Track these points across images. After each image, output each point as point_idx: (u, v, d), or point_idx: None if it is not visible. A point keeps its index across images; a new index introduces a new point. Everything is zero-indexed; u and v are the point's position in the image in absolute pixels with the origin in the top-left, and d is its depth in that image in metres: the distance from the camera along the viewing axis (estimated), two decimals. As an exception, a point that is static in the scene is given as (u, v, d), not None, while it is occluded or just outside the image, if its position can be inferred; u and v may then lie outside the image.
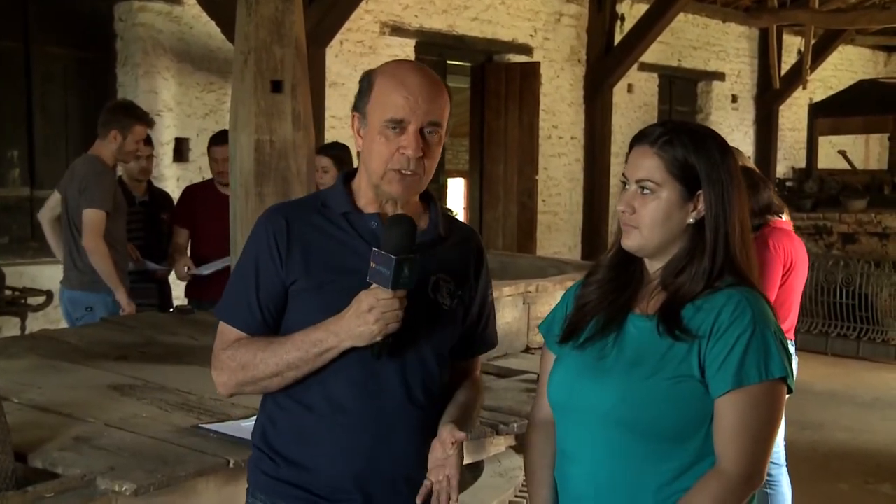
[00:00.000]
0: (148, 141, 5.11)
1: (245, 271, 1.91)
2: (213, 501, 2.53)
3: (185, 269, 5.01)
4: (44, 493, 2.31)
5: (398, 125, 1.84)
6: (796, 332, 4.16)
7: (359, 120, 1.91)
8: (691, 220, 1.81)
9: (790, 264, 3.96)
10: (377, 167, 1.87)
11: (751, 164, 4.63)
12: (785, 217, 4.15)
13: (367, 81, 1.90)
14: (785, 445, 4.20)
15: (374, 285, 1.76)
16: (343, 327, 1.79)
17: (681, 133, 1.81)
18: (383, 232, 1.81)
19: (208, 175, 6.90)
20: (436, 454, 1.83)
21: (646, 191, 1.81)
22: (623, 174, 1.87)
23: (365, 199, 1.93)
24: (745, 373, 1.71)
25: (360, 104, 1.91)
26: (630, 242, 1.84)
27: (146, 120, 4.82)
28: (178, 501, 2.47)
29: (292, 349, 1.82)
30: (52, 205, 4.82)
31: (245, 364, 1.85)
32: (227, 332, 1.92)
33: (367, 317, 1.76)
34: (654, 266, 1.87)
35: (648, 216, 1.81)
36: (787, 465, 4.19)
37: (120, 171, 5.25)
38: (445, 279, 1.94)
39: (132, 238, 5.02)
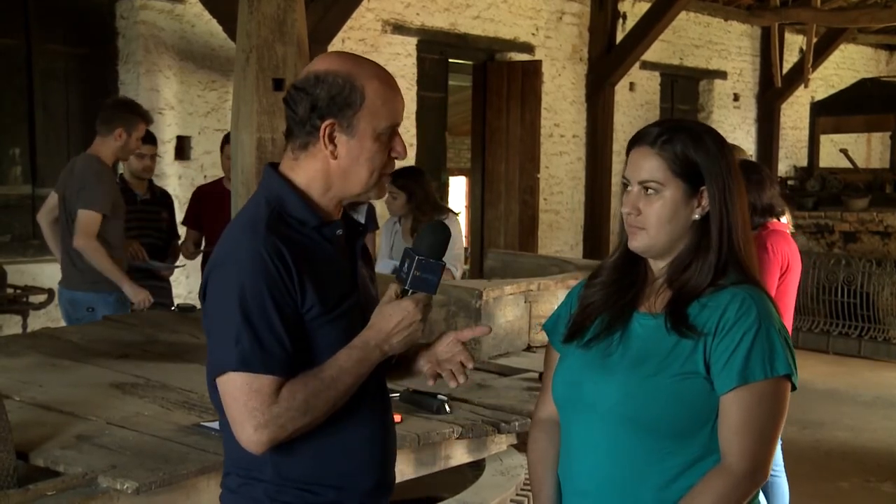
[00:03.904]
0: (152, 139, 5.12)
1: (259, 310, 1.68)
2: (215, 500, 2.51)
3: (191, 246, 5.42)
4: (45, 491, 2.31)
5: (393, 129, 1.82)
6: (796, 332, 4.17)
7: (340, 128, 1.77)
8: (696, 217, 1.82)
9: (786, 266, 3.98)
10: (368, 176, 1.81)
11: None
12: (786, 217, 4.15)
13: (350, 87, 1.76)
14: (782, 445, 4.19)
15: (411, 292, 1.78)
16: (393, 339, 1.77)
17: (678, 131, 1.83)
18: (423, 239, 1.80)
19: (210, 173, 6.96)
20: (448, 348, 1.89)
21: (650, 191, 1.82)
22: (624, 176, 1.88)
23: (325, 207, 1.83)
24: (750, 370, 1.72)
25: (340, 112, 1.76)
26: (637, 244, 1.85)
27: (149, 118, 4.84)
28: (179, 500, 2.47)
29: (346, 377, 1.74)
30: (51, 206, 4.78)
31: (308, 408, 1.70)
32: (261, 384, 1.67)
33: (419, 325, 1.77)
34: (658, 264, 1.87)
35: (654, 216, 1.81)
36: (785, 465, 4.19)
37: (121, 168, 5.26)
38: (364, 267, 1.95)
39: (133, 236, 5.02)
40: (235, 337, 1.68)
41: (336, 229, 1.83)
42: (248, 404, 1.68)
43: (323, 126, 1.77)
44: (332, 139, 1.78)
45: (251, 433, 1.68)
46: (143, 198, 5.21)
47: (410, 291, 1.78)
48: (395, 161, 1.86)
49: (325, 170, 1.80)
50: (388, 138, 1.82)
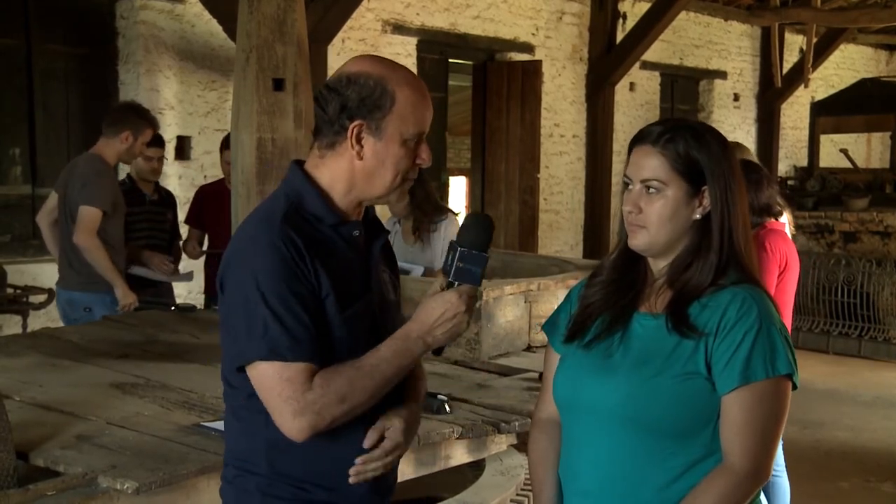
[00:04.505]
0: (159, 142, 5.14)
1: (280, 299, 1.69)
2: (215, 500, 2.51)
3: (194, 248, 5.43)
4: (45, 491, 2.30)
5: (419, 136, 1.83)
6: (796, 332, 4.17)
7: (368, 130, 1.78)
8: (697, 216, 1.83)
9: (785, 265, 3.99)
10: (392, 180, 1.82)
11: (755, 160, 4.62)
12: (786, 216, 4.15)
13: (381, 90, 1.77)
14: (783, 445, 4.19)
15: (456, 284, 1.77)
16: (436, 331, 1.76)
17: (681, 130, 1.83)
18: (467, 231, 1.80)
19: (210, 173, 6.96)
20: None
21: (651, 190, 1.82)
22: (625, 175, 1.88)
23: (345, 207, 1.84)
24: (751, 370, 1.72)
25: (370, 114, 1.78)
26: (637, 242, 1.85)
27: (156, 124, 4.89)
28: (179, 500, 2.47)
29: (386, 366, 1.74)
30: (50, 207, 4.78)
31: (344, 396, 1.71)
32: (292, 373, 1.69)
33: (462, 317, 1.77)
34: (658, 265, 1.87)
35: (655, 215, 1.81)
36: (786, 465, 4.19)
37: (128, 169, 5.28)
38: (386, 271, 1.94)
39: (142, 237, 5.04)
40: (262, 327, 1.69)
41: (353, 230, 1.84)
42: (282, 394, 1.69)
43: (351, 126, 1.78)
44: (359, 140, 1.79)
45: (291, 421, 1.70)
46: (152, 198, 5.22)
47: (456, 284, 1.77)
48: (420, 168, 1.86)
49: (350, 170, 1.81)
50: (415, 145, 1.82)
